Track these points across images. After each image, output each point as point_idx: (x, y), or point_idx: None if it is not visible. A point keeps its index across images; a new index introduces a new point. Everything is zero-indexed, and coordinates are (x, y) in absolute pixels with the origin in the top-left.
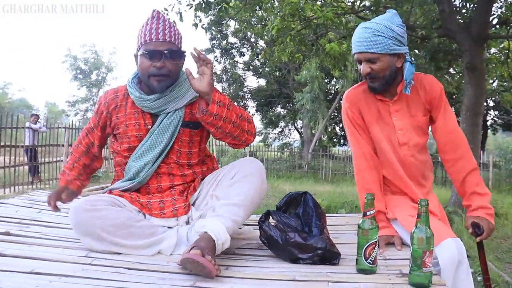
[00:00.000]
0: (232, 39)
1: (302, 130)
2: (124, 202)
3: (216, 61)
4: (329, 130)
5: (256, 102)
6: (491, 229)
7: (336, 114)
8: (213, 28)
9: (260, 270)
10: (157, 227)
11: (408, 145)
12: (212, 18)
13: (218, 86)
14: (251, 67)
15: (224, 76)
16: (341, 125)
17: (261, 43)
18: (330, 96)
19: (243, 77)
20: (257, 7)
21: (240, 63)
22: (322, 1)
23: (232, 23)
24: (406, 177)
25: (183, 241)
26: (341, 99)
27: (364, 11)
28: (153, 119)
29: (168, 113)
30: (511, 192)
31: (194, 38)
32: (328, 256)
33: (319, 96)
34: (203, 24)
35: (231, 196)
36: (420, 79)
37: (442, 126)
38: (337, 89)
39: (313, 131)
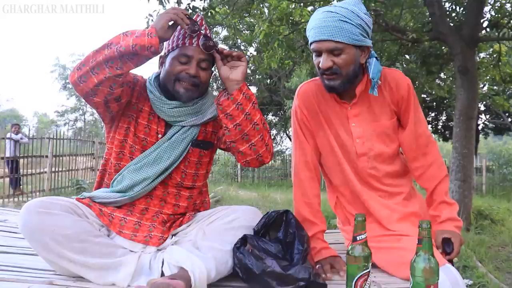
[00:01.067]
0: (221, 47)
1: None
2: (88, 212)
3: None
4: None
5: None
6: (461, 244)
7: None
8: None
9: None
10: (117, 248)
11: (367, 155)
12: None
13: None
14: None
15: (214, 84)
16: None
17: (251, 50)
18: None
19: None
20: (246, 13)
21: None
22: (312, 7)
23: (221, 30)
24: (366, 192)
25: (144, 270)
26: None
27: None
28: (165, 129)
29: (184, 126)
30: (506, 197)
31: None
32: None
33: None
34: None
35: (225, 242)
36: (384, 76)
37: (412, 130)
38: None
39: None
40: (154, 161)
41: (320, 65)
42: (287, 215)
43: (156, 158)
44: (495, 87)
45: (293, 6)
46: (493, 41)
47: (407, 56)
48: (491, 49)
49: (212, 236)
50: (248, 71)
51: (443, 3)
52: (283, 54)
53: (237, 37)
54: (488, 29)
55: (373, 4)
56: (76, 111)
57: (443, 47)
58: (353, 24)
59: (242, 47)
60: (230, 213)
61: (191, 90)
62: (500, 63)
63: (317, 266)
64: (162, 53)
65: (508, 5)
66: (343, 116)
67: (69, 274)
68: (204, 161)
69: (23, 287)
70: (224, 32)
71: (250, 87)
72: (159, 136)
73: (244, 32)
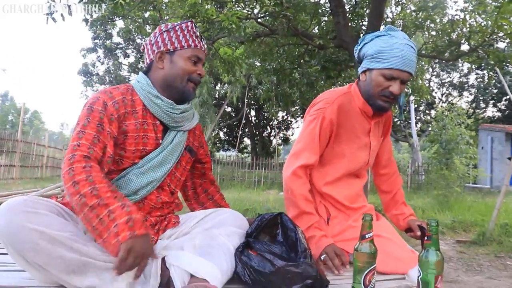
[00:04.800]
0: (116, 39)
1: None
2: (72, 215)
3: (99, 61)
4: (213, 135)
5: None
6: None
7: (220, 120)
8: (97, 26)
9: None
10: (108, 254)
11: (369, 165)
12: (103, 13)
13: (101, 88)
14: (136, 70)
15: (107, 78)
16: (225, 130)
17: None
18: (214, 101)
19: (128, 79)
20: (151, 7)
21: (125, 64)
22: (220, 5)
23: (119, 22)
24: (362, 198)
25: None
26: (229, 104)
27: (264, 18)
28: (162, 134)
29: (179, 131)
30: None
31: (75, 36)
32: (317, 285)
33: (208, 101)
34: (94, 20)
35: (225, 247)
36: None
37: (386, 144)
38: (225, 94)
39: None
40: (160, 164)
41: (392, 90)
42: (281, 217)
43: (161, 161)
44: None
45: (205, 2)
46: None
47: (308, 60)
48: None
49: (211, 241)
50: (144, 65)
51: (347, 14)
52: None
53: (137, 32)
54: None
55: (279, 9)
56: None
57: (343, 54)
58: (416, 60)
59: (139, 41)
60: (220, 221)
61: (194, 91)
62: None
63: (323, 257)
64: (163, 49)
65: (399, 21)
66: (366, 129)
67: (55, 282)
68: (187, 168)
69: None
70: (120, 24)
71: None
72: (160, 141)
73: (145, 26)
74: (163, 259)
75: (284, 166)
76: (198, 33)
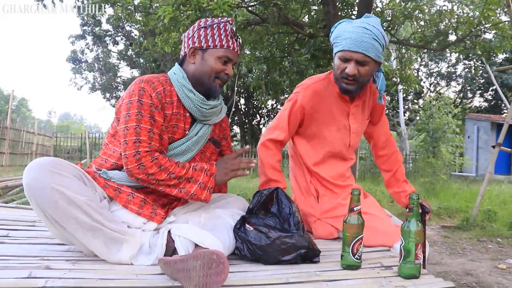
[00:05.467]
0: (105, 26)
1: None
2: (92, 182)
3: (88, 48)
4: None
5: None
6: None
7: None
8: (87, 13)
9: (244, 275)
10: (119, 222)
11: (353, 147)
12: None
13: (90, 76)
14: (125, 57)
15: (96, 65)
16: None
17: (136, 32)
18: None
19: (117, 67)
20: None
21: (114, 52)
22: None
23: (108, 9)
24: (350, 178)
25: (144, 249)
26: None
27: (255, 6)
28: (190, 125)
29: (205, 124)
30: (377, 181)
31: (63, 22)
32: (310, 254)
33: None
34: (85, 7)
35: (227, 224)
36: (370, 86)
37: (382, 127)
38: None
39: None
40: (182, 152)
41: (347, 71)
42: (277, 191)
43: (185, 150)
44: None
45: None
46: None
47: (297, 48)
48: None
49: (215, 219)
50: (133, 53)
51: (337, 4)
52: (178, 39)
53: (126, 19)
54: None
55: None
56: None
57: (330, 43)
58: (380, 44)
59: (128, 28)
60: (225, 204)
61: (221, 87)
62: None
63: None
64: (196, 45)
65: (388, 11)
66: (345, 112)
67: (69, 241)
68: (212, 159)
69: (24, 274)
70: (110, 11)
71: (133, 69)
72: (186, 132)
73: (135, 14)
74: (168, 231)
75: None
76: (234, 33)
